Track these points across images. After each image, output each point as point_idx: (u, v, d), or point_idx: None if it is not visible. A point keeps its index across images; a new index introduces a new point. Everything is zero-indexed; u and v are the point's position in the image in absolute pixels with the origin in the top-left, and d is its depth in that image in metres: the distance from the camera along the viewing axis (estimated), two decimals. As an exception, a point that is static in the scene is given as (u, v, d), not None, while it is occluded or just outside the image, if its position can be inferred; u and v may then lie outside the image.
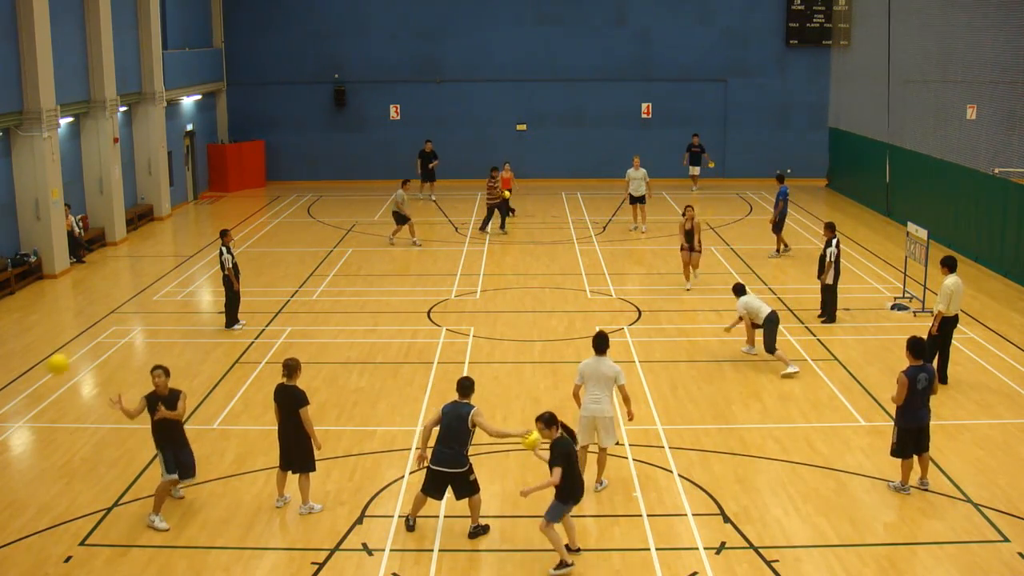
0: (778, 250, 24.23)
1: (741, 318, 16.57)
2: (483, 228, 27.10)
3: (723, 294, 20.91)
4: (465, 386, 11.06)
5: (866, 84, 30.86)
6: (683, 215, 21.16)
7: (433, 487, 10.93)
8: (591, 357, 11.87)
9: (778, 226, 24.10)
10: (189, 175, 33.42)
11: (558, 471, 10.05)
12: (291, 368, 11.42)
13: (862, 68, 31.90)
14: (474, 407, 10.91)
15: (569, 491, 10.23)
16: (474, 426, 10.82)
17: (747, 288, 17.17)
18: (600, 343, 11.90)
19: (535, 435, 10.48)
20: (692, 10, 35.49)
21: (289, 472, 11.49)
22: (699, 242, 20.98)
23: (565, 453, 10.18)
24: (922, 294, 19.46)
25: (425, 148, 32.10)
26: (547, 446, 10.40)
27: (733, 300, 20.32)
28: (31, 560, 10.53)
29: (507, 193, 27.07)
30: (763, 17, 35.48)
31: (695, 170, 33.59)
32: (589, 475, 11.87)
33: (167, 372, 11.29)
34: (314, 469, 11.48)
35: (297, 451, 11.31)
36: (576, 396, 11.94)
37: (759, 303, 16.48)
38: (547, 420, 10.29)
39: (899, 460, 11.93)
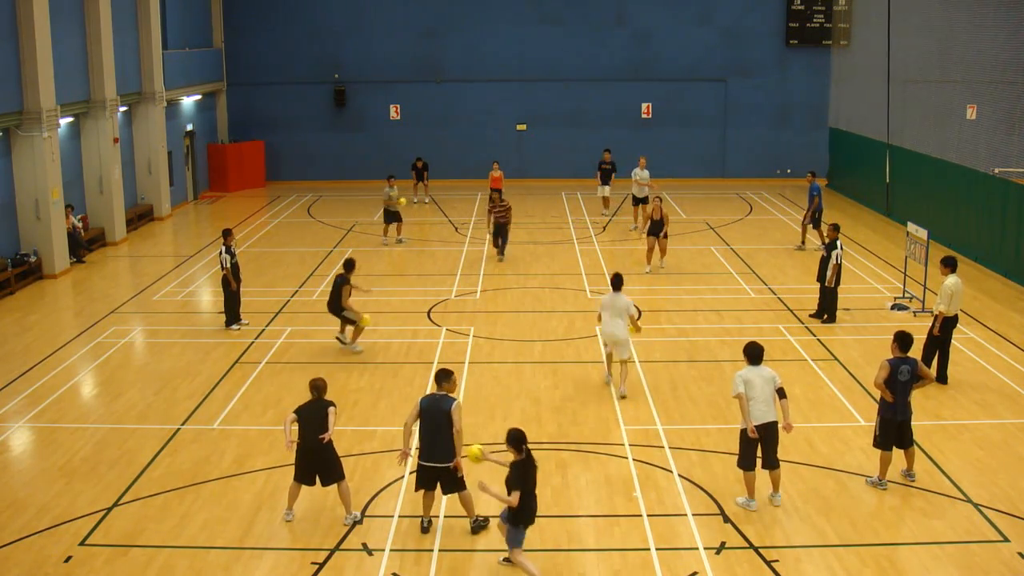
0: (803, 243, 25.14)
1: (739, 399, 11.36)
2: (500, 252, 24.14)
3: (723, 294, 20.96)
4: (443, 376, 10.84)
5: (866, 84, 30.87)
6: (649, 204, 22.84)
7: (426, 482, 10.88)
8: (609, 293, 14.92)
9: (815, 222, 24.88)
10: (189, 175, 33.42)
11: (516, 495, 9.73)
12: (320, 388, 11.23)
13: (862, 68, 31.91)
14: (455, 400, 10.72)
15: (524, 516, 9.93)
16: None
17: (763, 354, 11.51)
18: (617, 281, 14.94)
19: (476, 449, 10.36)
20: (692, 10, 35.47)
21: (303, 485, 11.28)
22: (665, 233, 22.53)
23: (525, 477, 9.86)
24: (922, 294, 19.46)
25: (416, 164, 32.05)
26: (501, 459, 10.26)
27: (731, 300, 20.54)
28: (31, 560, 10.52)
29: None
30: (763, 17, 35.46)
31: (606, 190, 28.79)
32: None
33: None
34: (343, 477, 11.31)
35: (325, 463, 11.13)
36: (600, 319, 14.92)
37: (764, 391, 11.29)
38: (513, 440, 9.95)
39: (879, 453, 11.97)
